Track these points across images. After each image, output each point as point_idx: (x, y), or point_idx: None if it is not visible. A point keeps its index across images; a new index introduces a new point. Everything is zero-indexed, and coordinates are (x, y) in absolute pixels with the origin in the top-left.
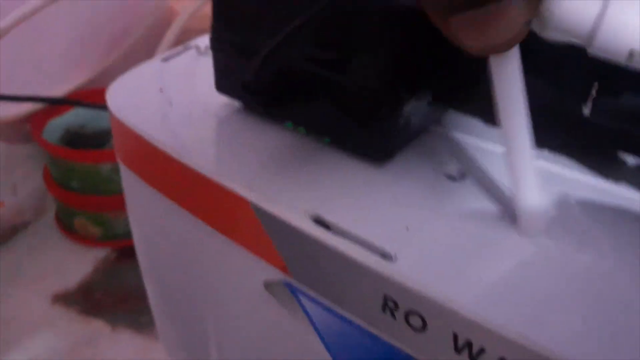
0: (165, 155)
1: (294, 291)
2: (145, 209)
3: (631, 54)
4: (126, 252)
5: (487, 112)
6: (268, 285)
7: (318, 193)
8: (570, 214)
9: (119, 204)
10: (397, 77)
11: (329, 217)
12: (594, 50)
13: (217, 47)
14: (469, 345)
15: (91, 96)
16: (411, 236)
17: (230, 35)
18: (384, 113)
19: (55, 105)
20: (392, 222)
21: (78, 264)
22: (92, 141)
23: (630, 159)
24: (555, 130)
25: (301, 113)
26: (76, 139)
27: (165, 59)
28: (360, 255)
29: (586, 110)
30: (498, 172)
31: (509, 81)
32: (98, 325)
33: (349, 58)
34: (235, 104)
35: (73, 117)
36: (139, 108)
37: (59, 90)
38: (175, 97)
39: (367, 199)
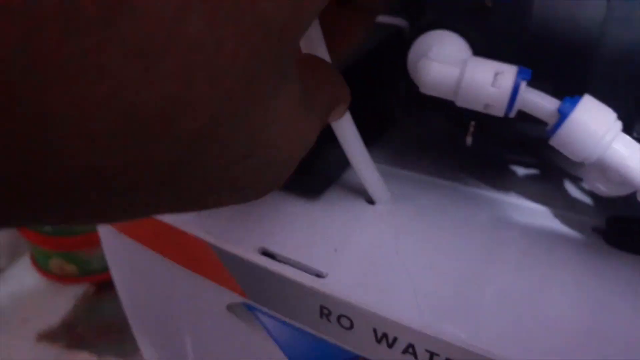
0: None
1: (251, 309)
2: (125, 258)
3: (486, 105)
4: (103, 286)
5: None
6: (230, 307)
7: (264, 229)
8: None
9: (92, 242)
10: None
11: (273, 249)
12: (460, 104)
13: None
14: (385, 336)
15: None
16: (338, 256)
17: None
18: (311, 157)
19: None
20: (323, 246)
21: (58, 302)
22: None
23: (520, 170)
24: (450, 159)
25: None
26: None
27: None
28: (299, 277)
29: (468, 141)
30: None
31: (348, 134)
32: (84, 358)
33: None
34: None
35: None
36: None
37: None
38: None
39: (303, 229)
